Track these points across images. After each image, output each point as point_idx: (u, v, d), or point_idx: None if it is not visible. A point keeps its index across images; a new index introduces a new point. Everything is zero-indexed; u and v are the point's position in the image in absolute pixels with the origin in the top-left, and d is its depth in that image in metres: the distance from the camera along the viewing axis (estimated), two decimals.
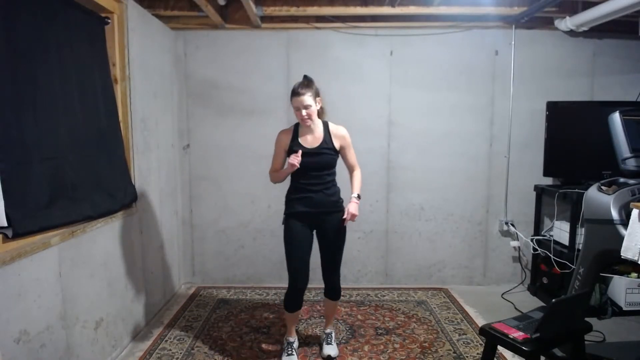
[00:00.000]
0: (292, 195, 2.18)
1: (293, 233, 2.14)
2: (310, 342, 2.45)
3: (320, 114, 2.17)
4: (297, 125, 2.19)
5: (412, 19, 3.09)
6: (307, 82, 2.10)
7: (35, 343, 1.65)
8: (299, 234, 2.14)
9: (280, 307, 2.91)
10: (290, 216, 2.16)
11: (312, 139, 2.14)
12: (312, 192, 2.12)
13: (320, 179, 2.13)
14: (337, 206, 2.17)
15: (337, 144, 2.16)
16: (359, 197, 2.17)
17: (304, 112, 2.05)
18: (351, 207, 2.12)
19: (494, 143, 3.28)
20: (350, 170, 2.25)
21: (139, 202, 2.48)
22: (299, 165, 2.03)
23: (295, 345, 2.31)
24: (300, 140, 2.14)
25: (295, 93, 2.07)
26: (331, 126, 2.18)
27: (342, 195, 2.23)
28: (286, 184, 2.25)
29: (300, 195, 2.14)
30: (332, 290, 2.26)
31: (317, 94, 2.11)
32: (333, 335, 2.37)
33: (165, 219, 2.96)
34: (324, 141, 2.14)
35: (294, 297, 2.20)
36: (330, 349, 2.29)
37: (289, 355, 2.24)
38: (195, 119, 3.26)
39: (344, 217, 2.11)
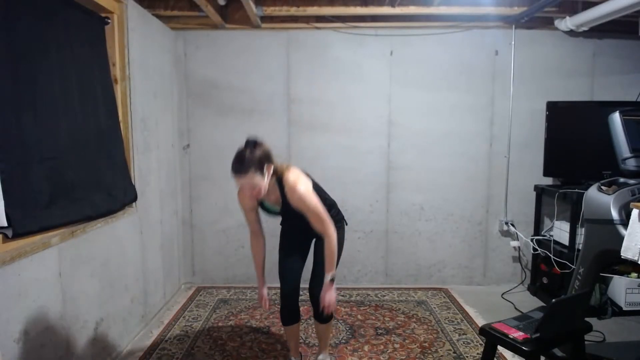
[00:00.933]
0: (282, 229, 2.06)
1: (287, 239, 2.04)
2: (311, 342, 2.45)
3: (278, 172, 1.84)
4: None
5: (412, 19, 3.09)
6: (242, 158, 1.75)
7: (35, 343, 1.65)
8: (293, 241, 2.02)
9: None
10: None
11: (274, 199, 1.89)
12: (303, 227, 1.88)
13: (305, 220, 1.85)
14: (334, 222, 1.89)
15: (295, 205, 1.82)
16: (332, 280, 1.84)
17: (250, 192, 1.75)
18: (326, 296, 1.82)
19: (494, 143, 3.28)
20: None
21: (139, 202, 2.48)
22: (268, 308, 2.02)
23: None
24: (265, 201, 1.91)
25: (233, 173, 1.75)
26: (287, 188, 1.82)
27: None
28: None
29: (290, 230, 2.02)
30: (316, 305, 1.93)
31: (259, 164, 1.74)
32: None
33: (165, 219, 2.96)
34: (285, 203, 1.86)
35: (287, 305, 2.00)
36: None
37: None
38: (195, 119, 3.26)
39: (321, 306, 1.86)
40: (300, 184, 1.82)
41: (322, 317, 1.96)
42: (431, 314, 2.83)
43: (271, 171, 1.80)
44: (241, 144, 3.32)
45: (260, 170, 1.73)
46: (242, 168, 1.72)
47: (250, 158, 1.74)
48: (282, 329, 2.38)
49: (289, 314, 2.02)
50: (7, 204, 1.54)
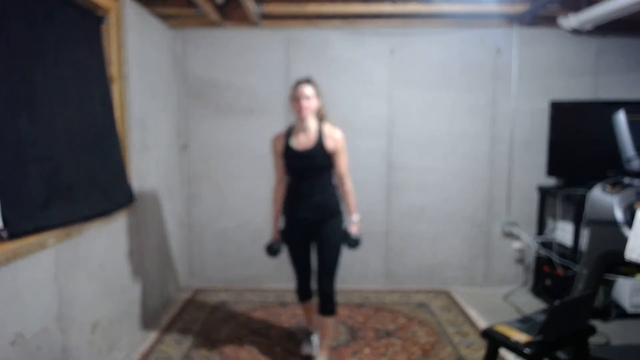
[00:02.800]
0: (289, 199, 2.18)
1: (292, 237, 2.21)
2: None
3: (319, 117, 2.13)
4: (289, 129, 2.17)
5: (413, 17, 3.06)
6: (310, 80, 2.11)
7: (31, 345, 1.63)
8: (297, 238, 2.21)
9: (280, 309, 2.89)
10: (288, 222, 2.21)
11: (304, 140, 2.09)
12: (307, 197, 2.09)
13: (314, 182, 2.09)
14: (334, 213, 2.13)
15: (330, 146, 2.08)
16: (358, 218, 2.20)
17: (303, 102, 2.02)
18: (353, 230, 2.16)
19: (496, 143, 3.25)
20: (340, 179, 2.14)
21: (136, 203, 2.45)
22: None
23: (317, 337, 2.33)
24: (292, 141, 2.10)
25: (297, 83, 2.07)
26: (326, 128, 2.11)
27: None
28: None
29: (296, 200, 2.13)
30: (323, 298, 2.11)
31: (318, 93, 2.10)
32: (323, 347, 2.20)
33: (163, 219, 2.94)
34: (317, 143, 2.07)
35: (300, 289, 2.27)
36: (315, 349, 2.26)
37: (307, 343, 2.33)
38: (194, 118, 3.24)
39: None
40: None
41: (325, 309, 2.12)
42: (432, 316, 2.80)
43: (320, 105, 2.11)
44: (241, 143, 3.35)
45: (317, 94, 2.08)
46: (310, 81, 2.08)
47: (315, 84, 2.10)
48: (281, 331, 2.55)
49: (303, 294, 2.28)
50: (3, 204, 1.52)
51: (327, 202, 2.12)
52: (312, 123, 2.09)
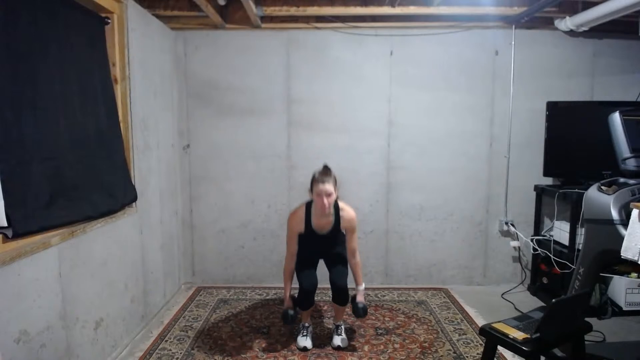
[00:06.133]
0: (302, 254, 2.38)
1: (301, 258, 2.38)
2: (320, 334, 2.46)
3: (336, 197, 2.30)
4: (308, 208, 2.31)
5: (412, 19, 3.08)
6: (328, 171, 2.26)
7: (35, 343, 1.65)
8: (306, 259, 2.40)
9: (280, 308, 2.92)
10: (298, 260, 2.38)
11: (324, 224, 2.32)
12: (319, 249, 2.42)
13: (326, 244, 2.39)
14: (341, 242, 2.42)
15: (344, 226, 2.33)
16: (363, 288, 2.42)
17: (325, 200, 2.18)
18: (363, 300, 2.38)
19: (494, 143, 3.28)
20: (350, 253, 2.38)
21: (139, 202, 2.47)
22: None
23: (310, 329, 2.44)
24: (313, 226, 2.32)
25: (318, 181, 2.20)
26: (342, 211, 2.31)
27: None
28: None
29: (307, 250, 2.37)
30: (338, 293, 2.32)
31: (335, 181, 2.25)
32: (343, 327, 2.45)
33: (165, 219, 2.96)
34: (334, 225, 2.32)
35: (304, 298, 2.34)
36: (340, 340, 2.38)
37: (303, 336, 2.39)
38: (195, 118, 3.26)
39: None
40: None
41: (340, 300, 2.35)
42: (431, 314, 2.83)
43: (337, 191, 2.27)
44: (241, 144, 3.41)
45: (335, 185, 2.23)
46: (328, 177, 2.22)
47: (332, 173, 2.26)
48: (282, 329, 2.59)
49: (307, 303, 2.38)
50: (7, 204, 1.54)
51: (338, 242, 2.40)
52: (331, 209, 2.27)
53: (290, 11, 2.91)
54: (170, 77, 3.11)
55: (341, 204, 2.33)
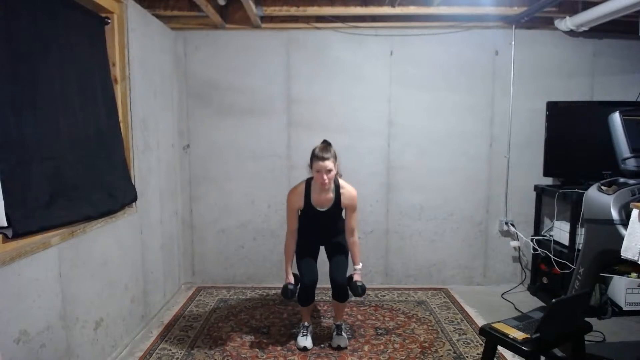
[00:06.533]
0: (304, 234, 2.37)
1: (302, 246, 2.38)
2: (320, 334, 2.47)
3: (336, 173, 2.27)
4: (308, 184, 2.30)
5: (412, 19, 3.08)
6: (328, 147, 2.21)
7: (35, 343, 1.65)
8: (306, 246, 2.39)
9: (280, 308, 2.92)
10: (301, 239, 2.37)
11: (324, 200, 2.29)
12: (319, 232, 2.40)
13: (329, 224, 2.38)
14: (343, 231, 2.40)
15: (345, 204, 2.31)
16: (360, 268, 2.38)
17: (325, 176, 2.16)
18: (356, 277, 2.34)
19: (494, 143, 3.28)
20: (349, 232, 2.35)
21: (139, 202, 2.48)
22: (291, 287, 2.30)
23: (310, 329, 2.44)
24: (312, 202, 2.30)
25: (318, 158, 2.17)
26: (342, 188, 2.29)
27: None
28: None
29: (310, 234, 2.38)
30: (338, 289, 2.31)
31: (335, 158, 2.21)
32: (343, 326, 2.45)
33: (165, 219, 2.96)
34: (334, 203, 2.30)
35: (304, 294, 2.32)
36: (340, 340, 2.37)
37: (303, 336, 2.39)
38: (195, 118, 3.26)
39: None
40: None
41: (340, 297, 2.34)
42: (431, 314, 2.83)
43: (338, 167, 2.24)
44: (241, 144, 3.41)
45: (335, 161, 2.20)
46: (328, 153, 2.17)
47: (332, 149, 2.22)
48: (282, 329, 2.57)
49: (308, 299, 2.36)
50: (7, 204, 1.54)
51: (338, 229, 2.40)
52: (330, 185, 2.25)
53: (290, 11, 2.91)
54: (170, 77, 3.11)
55: (342, 182, 2.31)
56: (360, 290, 2.32)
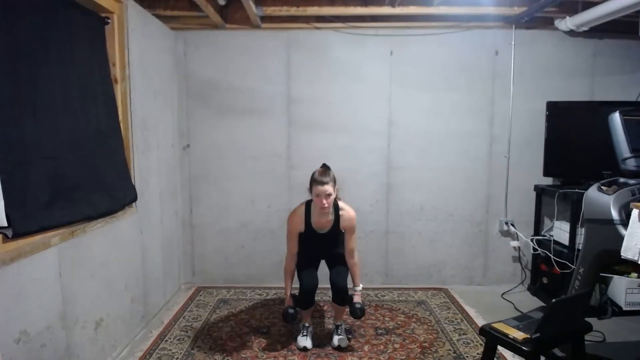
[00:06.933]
0: (304, 254, 2.39)
1: (302, 259, 2.39)
2: (320, 334, 2.47)
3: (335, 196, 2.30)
4: (308, 207, 2.32)
5: (412, 19, 3.09)
6: (327, 171, 2.24)
7: (35, 343, 1.65)
8: (307, 259, 2.41)
9: (280, 308, 2.92)
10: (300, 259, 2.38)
11: (324, 223, 2.33)
12: (320, 249, 2.43)
13: (326, 244, 2.41)
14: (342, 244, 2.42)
15: (344, 226, 2.34)
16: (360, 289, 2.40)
17: (324, 201, 2.19)
18: (356, 299, 2.34)
19: (494, 143, 3.28)
20: (348, 253, 2.36)
21: (139, 202, 2.47)
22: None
23: (310, 329, 2.44)
24: (313, 224, 2.33)
25: (317, 182, 2.20)
26: (342, 210, 2.32)
27: None
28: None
29: (308, 251, 2.38)
30: (338, 293, 2.32)
31: (335, 181, 2.24)
32: (343, 327, 2.45)
33: (165, 219, 2.96)
34: (334, 225, 2.33)
35: (305, 298, 2.34)
36: (340, 340, 2.37)
37: (303, 336, 2.40)
38: (195, 119, 3.26)
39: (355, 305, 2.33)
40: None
41: (340, 301, 2.36)
42: (431, 314, 2.83)
43: (337, 191, 2.27)
44: (241, 144, 3.42)
45: (334, 185, 2.23)
46: (327, 177, 2.21)
47: (331, 173, 2.25)
48: (282, 329, 2.60)
49: (308, 303, 2.39)
50: (7, 204, 1.54)
51: (338, 244, 2.41)
52: (325, 212, 2.28)
53: (290, 11, 2.91)
54: (170, 77, 3.11)
55: (341, 204, 2.35)
56: (359, 313, 2.32)
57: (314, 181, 2.22)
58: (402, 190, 3.31)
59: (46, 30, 1.78)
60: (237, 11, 3.02)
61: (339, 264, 2.39)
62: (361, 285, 2.40)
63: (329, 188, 2.18)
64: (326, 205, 2.20)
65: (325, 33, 3.17)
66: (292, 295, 2.38)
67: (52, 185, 1.77)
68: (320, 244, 2.40)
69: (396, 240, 3.35)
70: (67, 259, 1.86)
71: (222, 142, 3.27)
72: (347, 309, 2.42)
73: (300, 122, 3.25)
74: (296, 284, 2.39)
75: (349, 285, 2.36)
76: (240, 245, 3.35)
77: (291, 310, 2.31)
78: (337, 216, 2.32)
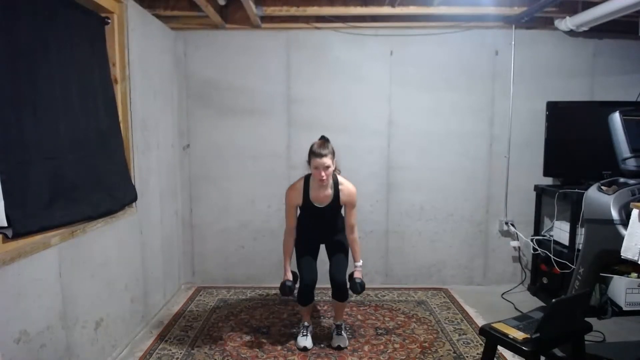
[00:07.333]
0: (303, 231, 2.37)
1: (302, 245, 2.38)
2: (320, 334, 2.47)
3: (335, 169, 2.28)
4: (307, 181, 2.30)
5: (412, 19, 3.09)
6: (325, 143, 2.21)
7: (35, 343, 1.65)
8: (306, 245, 2.39)
9: (280, 308, 2.92)
10: (299, 241, 2.37)
11: (323, 197, 2.29)
12: (319, 230, 2.39)
13: (328, 221, 2.37)
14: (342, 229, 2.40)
15: (343, 200, 2.31)
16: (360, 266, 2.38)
17: (323, 173, 2.16)
18: (356, 275, 2.33)
19: (494, 143, 3.28)
20: (349, 229, 2.35)
21: (139, 202, 2.48)
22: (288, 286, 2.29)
23: (310, 329, 2.43)
24: (311, 198, 2.29)
25: (315, 154, 2.17)
26: (341, 185, 2.30)
27: None
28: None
29: (310, 230, 2.37)
30: (338, 288, 2.31)
31: (333, 154, 2.21)
32: (343, 326, 2.45)
33: (165, 219, 2.96)
34: (333, 200, 2.29)
35: (304, 293, 2.32)
36: (340, 340, 2.37)
37: (303, 336, 2.39)
38: (195, 119, 3.26)
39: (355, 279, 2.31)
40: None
41: (340, 297, 2.34)
42: (431, 314, 2.83)
43: (335, 164, 2.25)
44: (241, 144, 3.41)
45: (333, 157, 2.20)
46: (326, 149, 2.17)
47: (330, 145, 2.22)
48: (282, 329, 2.58)
49: (307, 299, 2.36)
50: (7, 204, 1.54)
51: (338, 227, 2.40)
52: (324, 185, 2.25)
53: (290, 11, 2.91)
54: (170, 77, 3.11)
55: (341, 179, 2.32)
56: (359, 288, 2.31)
57: (312, 153, 2.18)
58: (402, 190, 3.31)
59: (46, 30, 1.78)
60: (237, 11, 3.02)
61: (339, 252, 2.37)
62: (361, 261, 2.38)
63: (327, 160, 2.15)
64: (324, 178, 2.16)
65: (325, 33, 3.17)
66: (292, 272, 2.35)
67: (52, 185, 1.77)
68: (320, 221, 2.36)
69: (396, 240, 3.35)
70: (67, 259, 1.86)
71: (222, 142, 3.27)
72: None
73: (300, 122, 3.25)
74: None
75: (349, 280, 2.36)
76: (240, 245, 3.35)
77: (289, 283, 2.29)
78: (336, 191, 2.29)
